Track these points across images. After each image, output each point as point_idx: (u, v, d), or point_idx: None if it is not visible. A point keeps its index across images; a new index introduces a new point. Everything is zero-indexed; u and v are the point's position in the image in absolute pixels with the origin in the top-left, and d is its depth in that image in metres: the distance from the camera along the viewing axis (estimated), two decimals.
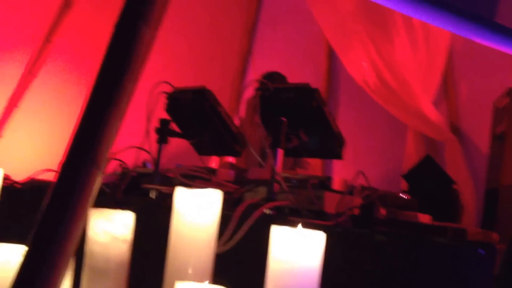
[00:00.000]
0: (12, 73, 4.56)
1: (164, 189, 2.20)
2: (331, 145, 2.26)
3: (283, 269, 1.21)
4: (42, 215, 1.12)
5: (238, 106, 5.18)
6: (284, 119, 2.10)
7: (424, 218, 2.26)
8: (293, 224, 1.67)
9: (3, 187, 1.96)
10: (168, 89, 2.44)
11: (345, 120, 5.03)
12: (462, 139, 4.66)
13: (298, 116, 2.16)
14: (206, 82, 2.53)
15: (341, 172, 4.93)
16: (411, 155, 4.76)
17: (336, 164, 5.11)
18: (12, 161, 4.23)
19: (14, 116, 4.57)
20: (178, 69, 4.96)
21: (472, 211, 4.21)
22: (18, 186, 2.58)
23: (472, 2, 1.52)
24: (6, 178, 2.74)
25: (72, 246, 1.13)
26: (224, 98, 4.99)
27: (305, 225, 1.86)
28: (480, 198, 3.54)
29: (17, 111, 4.56)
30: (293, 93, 2.17)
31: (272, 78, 3.79)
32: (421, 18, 1.56)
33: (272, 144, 2.10)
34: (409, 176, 3.60)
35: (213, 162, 4.77)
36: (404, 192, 3.32)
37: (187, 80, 3.13)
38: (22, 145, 4.63)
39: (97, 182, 1.19)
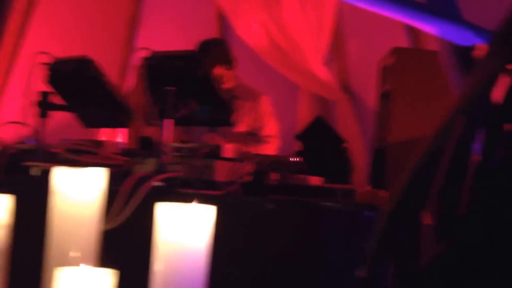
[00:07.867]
0: None
1: (47, 166, 2.09)
2: (220, 113, 2.23)
3: (170, 249, 1.17)
4: None
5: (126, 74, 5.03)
6: (172, 88, 2.06)
7: (315, 180, 2.28)
8: (183, 197, 1.64)
9: None
10: (49, 59, 2.32)
11: None
12: (353, 98, 4.77)
13: (187, 85, 2.12)
14: (93, 51, 2.42)
15: None
16: (304, 115, 4.83)
17: None
18: None
19: None
20: (63, 38, 4.74)
21: (362, 169, 4.33)
22: None
23: None
24: None
25: None
26: (113, 67, 4.85)
27: (195, 197, 1.84)
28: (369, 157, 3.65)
29: None
30: (180, 62, 2.11)
31: (209, 46, 3.66)
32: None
33: (159, 114, 2.05)
34: (302, 137, 3.65)
35: (103, 135, 4.60)
36: (297, 153, 3.38)
37: (73, 49, 2.99)
38: None
39: None
